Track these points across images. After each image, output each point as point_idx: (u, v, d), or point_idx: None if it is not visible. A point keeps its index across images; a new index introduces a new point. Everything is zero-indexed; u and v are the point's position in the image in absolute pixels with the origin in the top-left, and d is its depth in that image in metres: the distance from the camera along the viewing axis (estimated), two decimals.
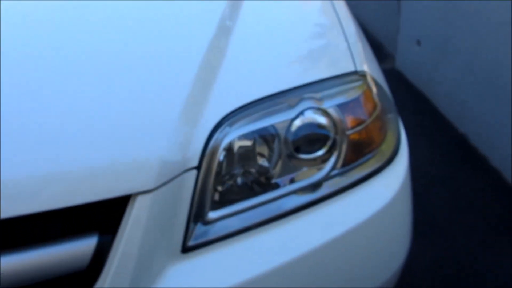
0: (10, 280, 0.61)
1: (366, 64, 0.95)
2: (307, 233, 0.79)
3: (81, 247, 0.64)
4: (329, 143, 0.83)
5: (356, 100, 0.88)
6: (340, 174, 0.85)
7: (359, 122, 0.88)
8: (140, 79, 0.77)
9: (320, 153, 0.83)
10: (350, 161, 0.86)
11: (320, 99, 0.84)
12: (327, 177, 0.84)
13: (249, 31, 0.93)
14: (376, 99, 0.94)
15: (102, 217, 0.66)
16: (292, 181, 0.83)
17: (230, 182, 0.78)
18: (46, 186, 0.62)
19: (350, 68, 0.90)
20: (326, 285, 0.78)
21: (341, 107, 0.85)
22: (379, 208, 0.84)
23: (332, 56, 0.93)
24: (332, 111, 0.84)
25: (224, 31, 0.90)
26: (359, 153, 0.88)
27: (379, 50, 2.82)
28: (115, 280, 0.64)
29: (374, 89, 0.94)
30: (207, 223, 0.74)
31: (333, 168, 0.84)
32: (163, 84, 0.77)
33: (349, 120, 0.86)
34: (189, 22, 0.92)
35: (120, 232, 0.65)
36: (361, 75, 0.91)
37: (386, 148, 0.92)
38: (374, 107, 0.92)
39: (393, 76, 2.54)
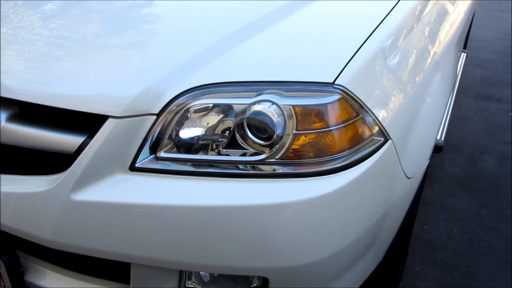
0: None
1: (358, 82, 1.01)
2: (222, 194, 0.96)
3: (77, 138, 1.01)
4: (274, 135, 0.96)
5: (320, 106, 0.97)
6: (278, 164, 0.97)
7: (318, 127, 0.97)
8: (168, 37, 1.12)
9: (261, 141, 0.97)
10: (295, 156, 0.97)
11: (283, 97, 0.98)
12: (263, 162, 0.97)
13: (287, 25, 1.15)
14: (353, 115, 0.99)
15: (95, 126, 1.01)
16: (242, 155, 1.00)
17: (190, 139, 1.01)
18: (59, 91, 1.01)
19: (327, 79, 0.99)
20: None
21: (299, 108, 0.97)
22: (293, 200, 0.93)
23: (322, 62, 1.02)
24: (286, 109, 0.96)
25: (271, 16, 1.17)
26: (310, 152, 0.97)
27: None
28: (76, 165, 0.98)
29: (357, 107, 1.00)
30: (159, 158, 1.00)
31: (271, 157, 0.97)
32: (179, 45, 1.09)
33: (304, 122, 0.97)
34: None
35: (92, 140, 0.98)
36: (339, 89, 0.98)
37: (343, 157, 0.98)
38: (345, 120, 0.98)
39: None
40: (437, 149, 1.50)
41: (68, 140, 1.01)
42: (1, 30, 1.21)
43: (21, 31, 1.22)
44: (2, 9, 1.35)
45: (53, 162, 1.04)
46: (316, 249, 0.96)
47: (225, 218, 0.94)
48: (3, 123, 1.06)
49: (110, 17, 1.28)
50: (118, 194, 0.97)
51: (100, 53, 1.11)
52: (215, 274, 1.06)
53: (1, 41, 1.16)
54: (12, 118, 1.07)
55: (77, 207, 0.97)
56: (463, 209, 2.22)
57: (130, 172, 0.99)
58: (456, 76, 2.22)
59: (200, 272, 1.06)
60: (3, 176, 1.06)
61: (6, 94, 1.05)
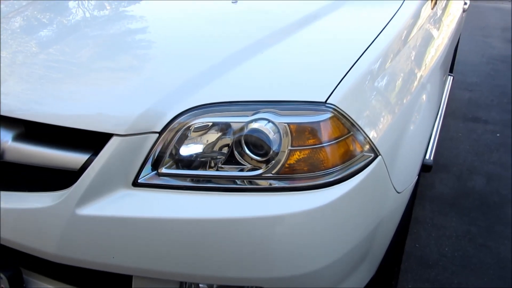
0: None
1: (348, 101, 1.07)
2: (221, 207, 1.00)
3: (81, 156, 1.06)
4: (270, 151, 1.02)
5: (313, 124, 1.03)
6: (274, 178, 1.02)
7: (311, 143, 1.03)
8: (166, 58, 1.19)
9: (258, 157, 1.03)
10: (290, 171, 1.02)
11: (279, 115, 1.04)
12: (260, 177, 1.03)
13: (281, 49, 1.22)
14: (345, 132, 1.05)
15: (99, 144, 1.05)
16: (240, 171, 1.05)
17: (190, 156, 1.06)
18: (65, 112, 1.06)
19: (320, 98, 1.05)
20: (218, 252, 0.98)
21: (294, 125, 1.03)
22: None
23: (314, 83, 1.09)
24: (282, 127, 1.02)
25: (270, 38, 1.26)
26: (305, 167, 1.02)
27: None
28: (81, 181, 1.02)
29: (349, 124, 1.06)
30: (160, 174, 1.05)
31: (267, 172, 1.02)
32: (177, 67, 1.15)
33: (299, 138, 1.03)
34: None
35: (97, 157, 1.03)
36: (331, 107, 1.05)
37: (335, 172, 1.03)
38: (337, 137, 1.04)
39: None
40: (427, 168, 1.56)
41: (73, 158, 1.06)
42: (1, 55, 1.27)
43: (20, 55, 1.28)
44: (2, 36, 1.41)
45: (55, 179, 1.08)
46: (311, 259, 1.00)
47: (223, 230, 0.98)
48: (10, 142, 1.11)
49: (105, 43, 1.34)
50: (122, 208, 1.01)
51: (103, 76, 1.18)
52: (214, 286, 1.10)
53: (1, 65, 1.22)
54: (18, 137, 1.12)
55: (82, 222, 1.01)
56: (454, 227, 2.27)
57: (133, 187, 1.04)
58: (442, 98, 2.31)
59: (200, 284, 1.09)
60: (7, 193, 1.10)
61: (10, 114, 1.10)
